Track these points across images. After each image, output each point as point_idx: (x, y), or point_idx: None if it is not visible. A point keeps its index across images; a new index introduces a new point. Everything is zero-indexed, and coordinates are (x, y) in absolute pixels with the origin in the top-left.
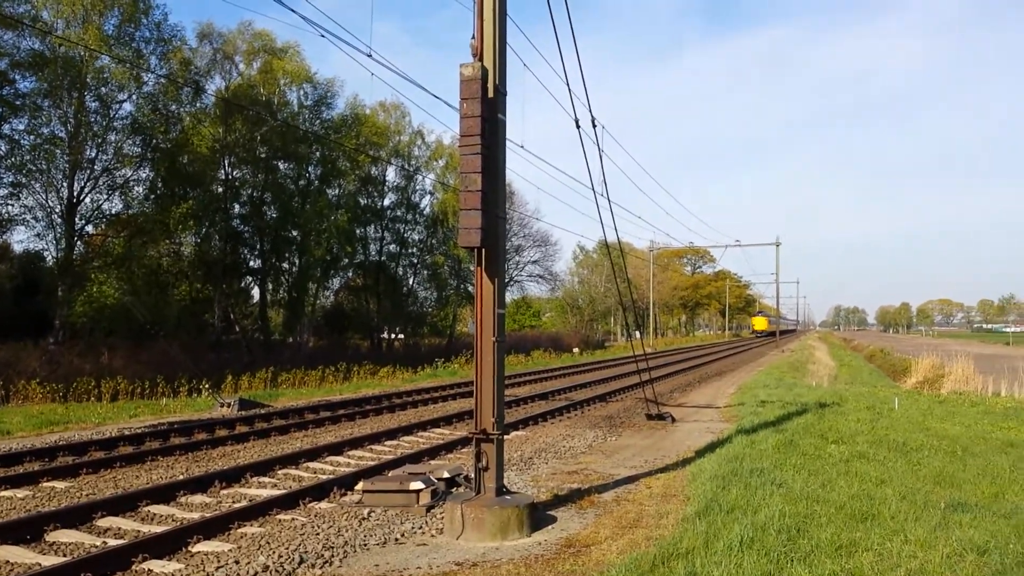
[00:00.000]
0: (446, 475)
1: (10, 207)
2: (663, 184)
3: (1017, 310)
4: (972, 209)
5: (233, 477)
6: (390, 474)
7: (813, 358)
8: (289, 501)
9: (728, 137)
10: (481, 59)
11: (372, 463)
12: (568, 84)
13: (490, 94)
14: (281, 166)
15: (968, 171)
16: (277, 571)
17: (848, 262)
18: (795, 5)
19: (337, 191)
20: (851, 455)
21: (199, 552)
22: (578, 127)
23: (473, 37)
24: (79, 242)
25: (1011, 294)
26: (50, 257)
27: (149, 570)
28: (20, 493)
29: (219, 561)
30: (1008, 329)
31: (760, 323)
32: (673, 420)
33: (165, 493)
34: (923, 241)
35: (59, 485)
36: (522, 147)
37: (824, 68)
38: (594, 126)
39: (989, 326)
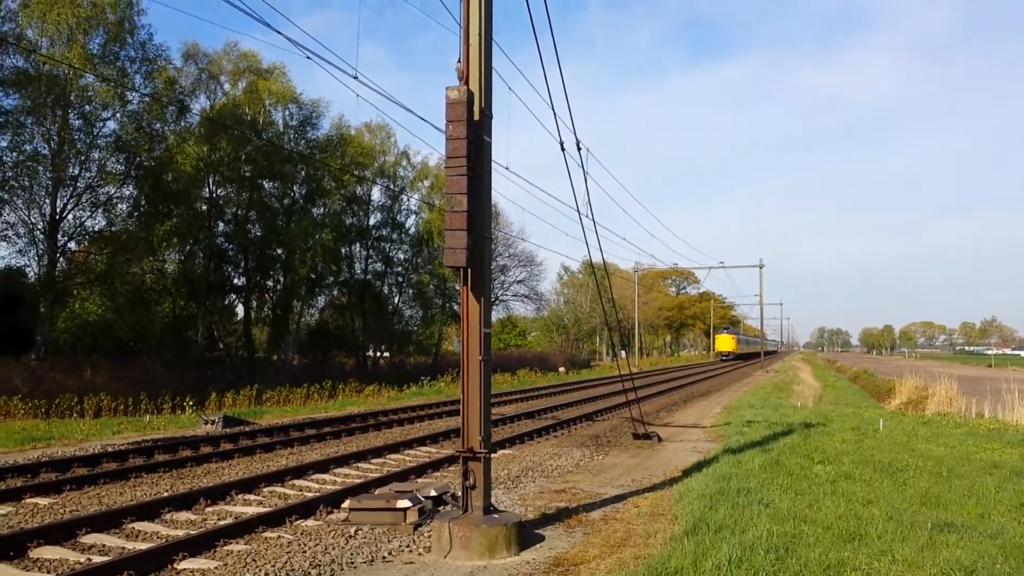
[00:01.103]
0: (433, 493)
1: None
2: (647, 206)
3: (999, 332)
4: (954, 232)
5: (218, 494)
6: (377, 492)
7: (798, 379)
8: (275, 519)
9: (712, 160)
10: (467, 82)
11: (358, 481)
12: (553, 107)
13: (476, 116)
14: (266, 185)
15: (950, 194)
16: None
17: (831, 284)
18: (774, 32)
19: (322, 210)
20: (837, 475)
21: (185, 569)
22: (563, 149)
23: (459, 61)
24: (61, 258)
25: (993, 317)
26: (32, 273)
27: None
28: (2, 509)
29: None
30: (990, 351)
31: (725, 343)
32: (659, 439)
33: (150, 510)
34: (906, 264)
35: (42, 501)
36: (507, 168)
37: (806, 92)
38: (579, 149)
39: (971, 348)
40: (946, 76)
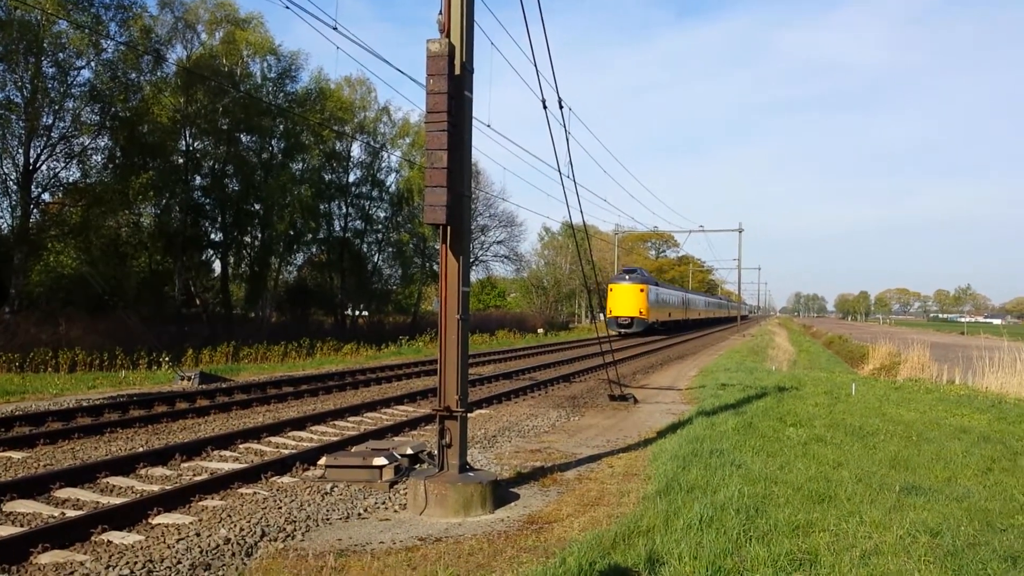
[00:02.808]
0: (409, 451)
1: None
2: (629, 168)
3: (972, 300)
4: (931, 201)
5: (194, 450)
6: (353, 450)
7: (773, 343)
8: (251, 475)
9: (695, 124)
10: (448, 35)
11: (335, 439)
12: (536, 65)
13: (457, 71)
14: (243, 138)
15: (929, 164)
16: (239, 544)
17: (809, 250)
18: None
19: (301, 165)
20: (809, 438)
21: (160, 524)
22: (545, 108)
23: (440, 13)
24: (35, 210)
25: (967, 285)
26: (5, 225)
27: (109, 541)
28: None
29: (180, 533)
30: (963, 319)
31: (627, 299)
32: (635, 401)
33: (125, 465)
34: (882, 231)
35: (16, 455)
36: (488, 126)
37: (790, 57)
38: (561, 108)
39: (945, 316)
40: (930, 44)
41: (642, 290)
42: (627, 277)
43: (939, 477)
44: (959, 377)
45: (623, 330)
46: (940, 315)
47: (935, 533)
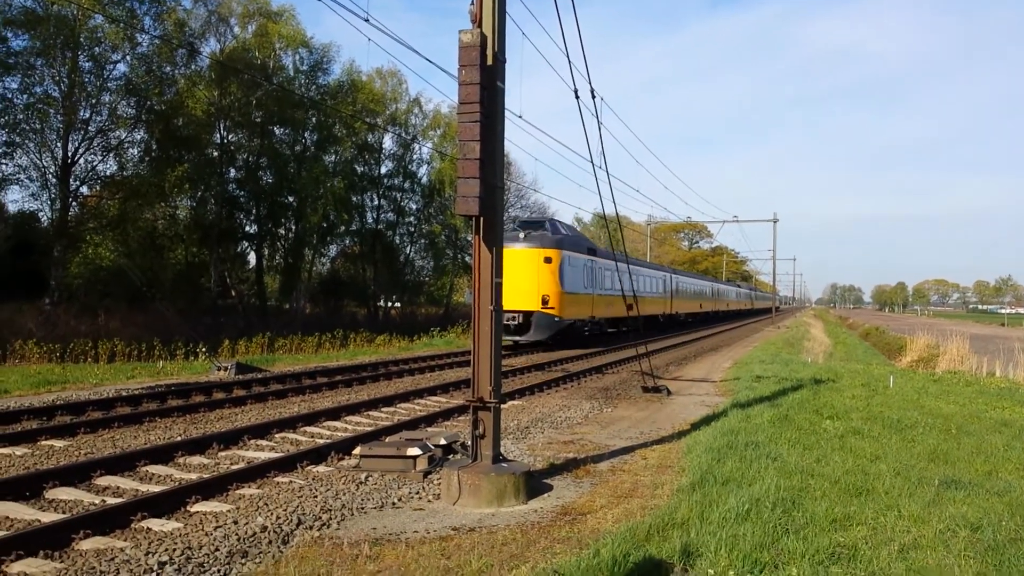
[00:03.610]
0: (443, 442)
1: (4, 166)
2: (662, 158)
3: (1013, 291)
4: (970, 190)
5: (231, 439)
6: (387, 440)
7: (808, 335)
8: (287, 464)
9: (728, 113)
10: (480, 26)
11: (369, 429)
12: (568, 55)
13: (489, 61)
14: (277, 131)
15: (967, 152)
16: (275, 532)
17: (846, 241)
18: None
19: (334, 157)
20: (846, 431)
21: (198, 512)
22: (577, 98)
23: (472, 3)
24: (74, 203)
25: (1008, 275)
26: (45, 218)
27: (148, 528)
28: (19, 451)
29: (218, 521)
30: (1004, 310)
31: (514, 276)
32: (669, 393)
33: (163, 453)
34: (921, 221)
35: (58, 443)
36: (520, 117)
37: (825, 44)
38: (593, 98)
39: (985, 307)
40: (968, 31)
41: (548, 260)
42: (522, 236)
43: (979, 471)
44: (999, 370)
45: (515, 338)
46: (980, 306)
47: (975, 528)
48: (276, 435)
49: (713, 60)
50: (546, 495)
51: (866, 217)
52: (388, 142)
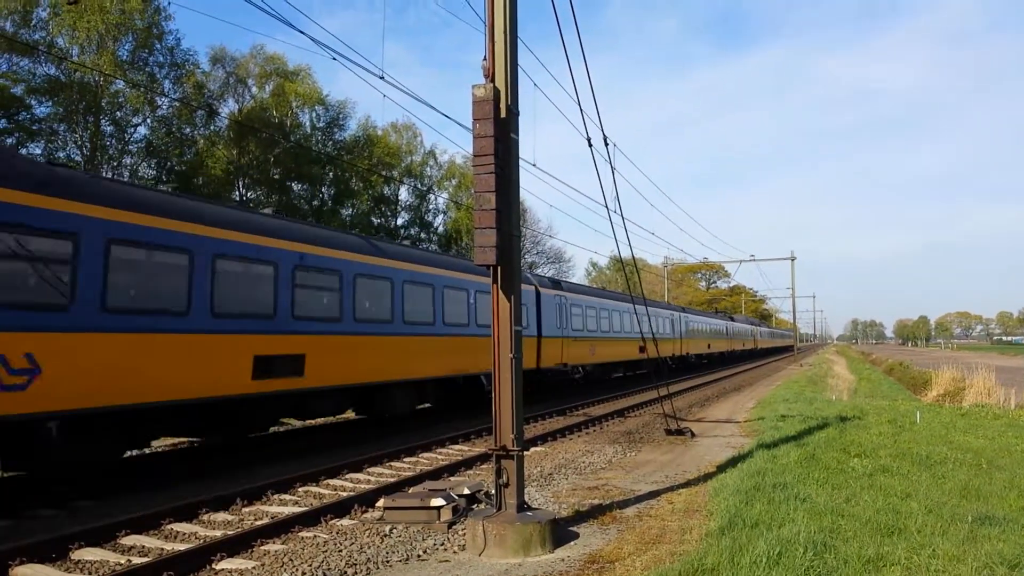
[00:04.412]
0: (467, 491)
1: None
2: (676, 200)
3: None
4: (990, 222)
5: (254, 494)
6: (410, 491)
7: (832, 372)
8: (311, 518)
9: (741, 153)
10: (493, 80)
11: (392, 480)
12: (580, 104)
13: (503, 114)
14: (295, 187)
15: (985, 184)
16: None
17: (865, 276)
18: (801, 21)
19: (351, 211)
20: (874, 469)
21: (223, 569)
22: (590, 146)
23: (484, 58)
24: None
25: None
26: None
27: None
28: (45, 512)
29: None
30: None
31: None
32: (693, 435)
33: (188, 511)
34: (941, 254)
35: (84, 503)
36: (534, 165)
37: (834, 83)
38: (606, 144)
39: (1009, 338)
40: (979, 62)
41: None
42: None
43: (1014, 506)
44: None
45: None
46: (1004, 338)
47: (1013, 565)
48: (299, 489)
49: (724, 104)
50: (573, 543)
51: (887, 251)
52: (404, 194)
